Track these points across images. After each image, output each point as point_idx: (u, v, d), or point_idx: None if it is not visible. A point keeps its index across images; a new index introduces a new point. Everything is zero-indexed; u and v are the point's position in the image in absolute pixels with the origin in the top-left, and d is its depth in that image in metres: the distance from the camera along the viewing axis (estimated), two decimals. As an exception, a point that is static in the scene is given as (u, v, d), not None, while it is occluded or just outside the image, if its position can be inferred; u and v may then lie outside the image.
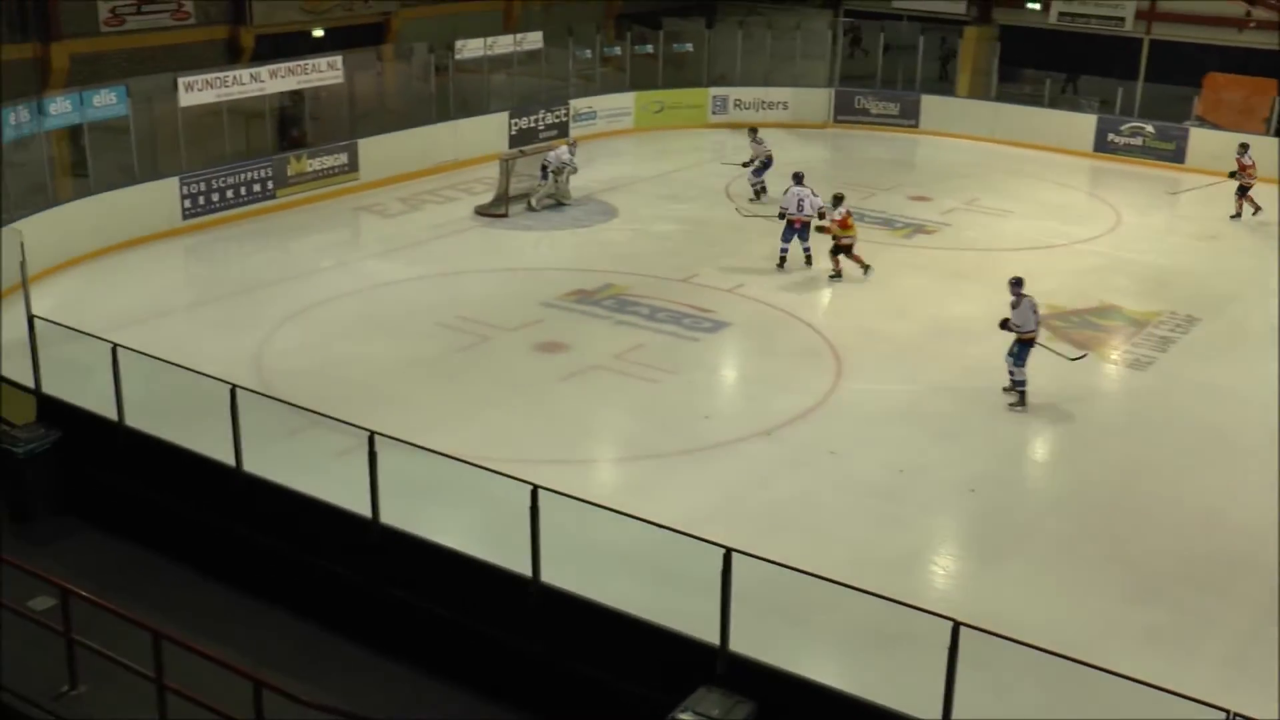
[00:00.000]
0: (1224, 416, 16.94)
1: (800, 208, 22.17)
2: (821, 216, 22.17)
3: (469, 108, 29.74)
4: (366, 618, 11.93)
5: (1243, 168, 26.83)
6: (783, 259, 22.37)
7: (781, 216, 22.36)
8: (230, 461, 12.72)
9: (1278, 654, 11.58)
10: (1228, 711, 8.12)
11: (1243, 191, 26.98)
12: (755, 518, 13.63)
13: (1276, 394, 17.47)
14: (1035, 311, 17.26)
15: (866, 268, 21.75)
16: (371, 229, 25.08)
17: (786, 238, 22.29)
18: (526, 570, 10.82)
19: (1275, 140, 31.82)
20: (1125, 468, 15.48)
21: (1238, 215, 26.88)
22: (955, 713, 9.10)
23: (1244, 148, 27.02)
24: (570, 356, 18.13)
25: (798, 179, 22.50)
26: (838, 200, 21.64)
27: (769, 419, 16.24)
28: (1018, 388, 17.11)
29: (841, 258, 21.65)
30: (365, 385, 16.85)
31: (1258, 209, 26.97)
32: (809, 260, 22.44)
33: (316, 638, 11.90)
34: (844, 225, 21.56)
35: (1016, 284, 17.24)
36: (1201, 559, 13.36)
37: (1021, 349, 17.14)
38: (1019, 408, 16.98)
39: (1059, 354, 17.90)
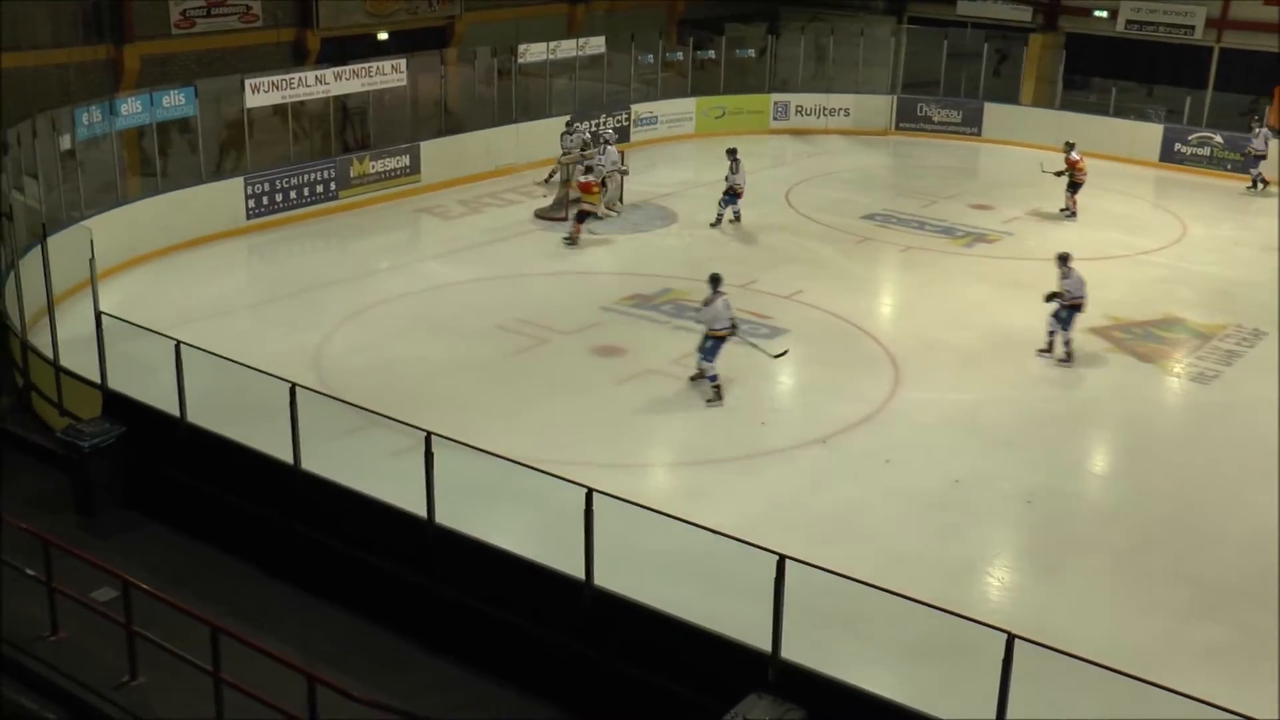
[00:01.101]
0: (1287, 432, 16.71)
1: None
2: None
3: (531, 111, 29.83)
4: (420, 616, 12.02)
5: (1071, 164, 26.89)
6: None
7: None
8: (289, 459, 12.86)
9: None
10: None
11: (1074, 189, 27.19)
12: (809, 525, 13.60)
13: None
14: (729, 308, 17.01)
15: None
16: (431, 231, 25.23)
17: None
18: (579, 573, 10.87)
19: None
20: (1186, 482, 15.30)
21: (1067, 210, 27.09)
22: (1009, 725, 9.06)
23: (1070, 146, 27.08)
24: (627, 360, 18.16)
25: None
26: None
27: (825, 426, 16.20)
28: (710, 382, 16.89)
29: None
30: (422, 386, 16.96)
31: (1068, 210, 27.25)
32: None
33: (370, 635, 12.01)
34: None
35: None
36: (1263, 576, 13.13)
37: (713, 344, 16.87)
38: (715, 402, 16.79)
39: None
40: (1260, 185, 30.17)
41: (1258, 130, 30.33)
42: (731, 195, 25.25)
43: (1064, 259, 18.76)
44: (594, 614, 10.92)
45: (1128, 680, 8.80)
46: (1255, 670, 11.51)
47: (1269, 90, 33.23)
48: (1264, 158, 30.10)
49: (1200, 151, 32.20)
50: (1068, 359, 18.62)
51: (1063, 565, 13.42)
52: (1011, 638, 8.93)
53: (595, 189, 24.04)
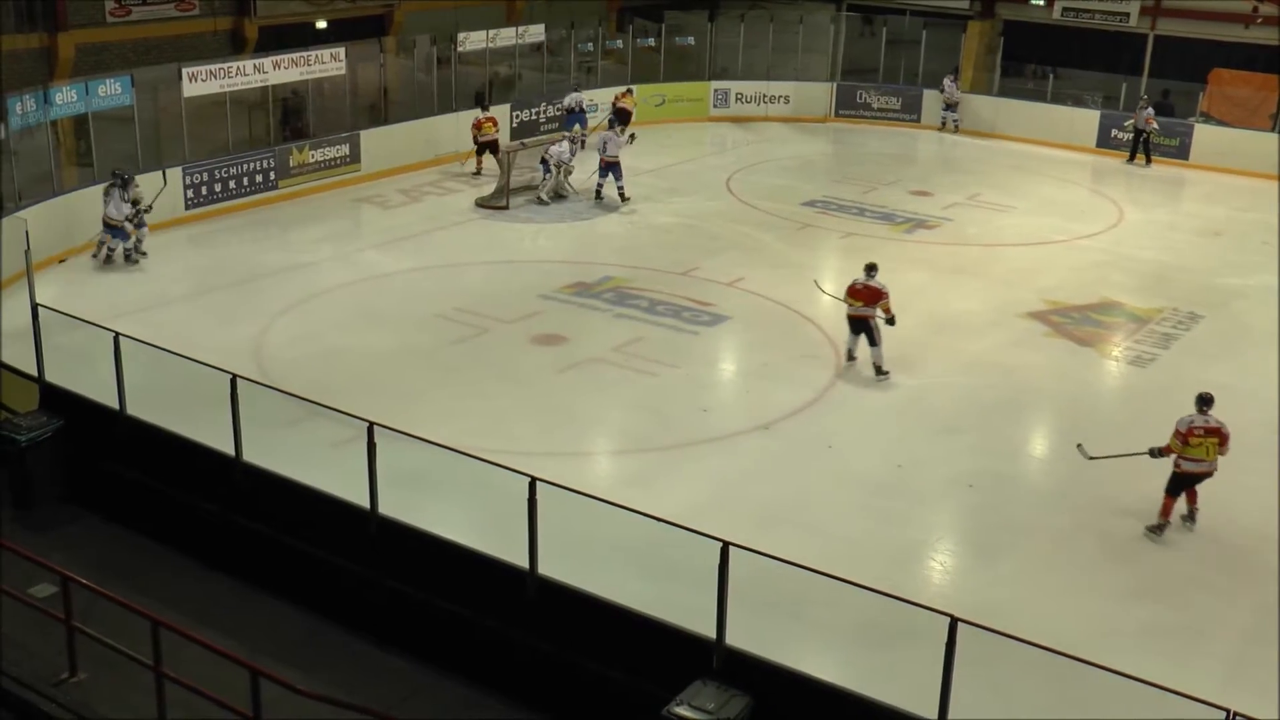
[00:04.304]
0: (1226, 414, 16.81)
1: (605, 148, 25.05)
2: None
3: (470, 101, 29.69)
4: (364, 608, 11.97)
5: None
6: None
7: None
8: (230, 451, 12.76)
9: (1278, 652, 11.63)
10: (1228, 711, 8.13)
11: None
12: (753, 511, 13.63)
13: (1278, 392, 17.51)
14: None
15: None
16: (371, 220, 25.07)
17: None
18: (524, 562, 10.85)
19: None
20: (1125, 464, 15.41)
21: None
22: (952, 709, 9.13)
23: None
24: (569, 349, 18.14)
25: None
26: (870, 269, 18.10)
27: (767, 413, 16.25)
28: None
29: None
30: (364, 376, 16.87)
31: None
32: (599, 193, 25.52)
33: (314, 628, 11.95)
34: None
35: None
36: (1202, 557, 13.35)
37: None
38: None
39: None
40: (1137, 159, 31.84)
41: (1141, 110, 31.51)
42: (607, 167, 25.71)
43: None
44: (538, 603, 10.91)
45: (1068, 660, 8.90)
46: (1193, 649, 11.69)
47: (1203, 76, 33.65)
48: (1146, 131, 31.56)
49: (1131, 136, 32.57)
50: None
51: (1004, 548, 13.54)
52: (954, 621, 9.01)
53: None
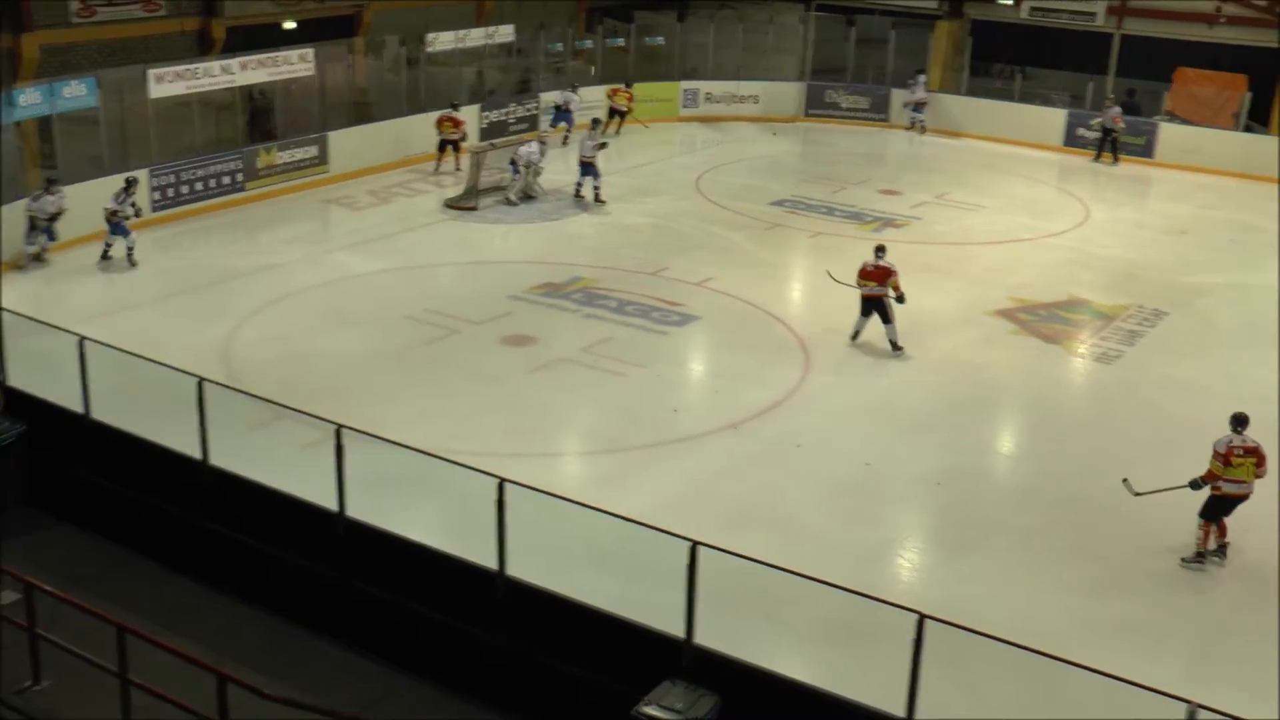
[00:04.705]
0: (1191, 410, 17.02)
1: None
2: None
3: (440, 100, 29.62)
4: (332, 611, 11.92)
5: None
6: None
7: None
8: (197, 455, 12.69)
9: (1247, 645, 11.72)
10: (1192, 704, 8.17)
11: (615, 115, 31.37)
12: (722, 511, 13.65)
13: (1242, 388, 17.62)
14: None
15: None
16: (340, 222, 24.99)
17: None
18: (493, 564, 10.83)
19: (1245, 135, 32.17)
20: (1092, 461, 15.55)
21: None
22: (920, 706, 9.15)
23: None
24: (538, 350, 18.12)
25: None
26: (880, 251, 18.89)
27: (737, 413, 16.27)
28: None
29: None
30: (333, 378, 16.82)
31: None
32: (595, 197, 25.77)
33: (282, 631, 11.89)
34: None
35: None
36: (1168, 552, 13.41)
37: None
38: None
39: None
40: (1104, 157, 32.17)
41: (1108, 109, 31.87)
42: (584, 166, 25.84)
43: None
44: (507, 604, 10.89)
45: (1038, 657, 8.95)
46: (1162, 644, 11.76)
47: (1168, 76, 33.86)
48: (1113, 130, 31.92)
49: (1099, 135, 32.75)
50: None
51: (972, 546, 13.59)
52: (922, 618, 9.04)
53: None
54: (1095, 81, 34.14)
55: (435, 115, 28.25)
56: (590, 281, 20.96)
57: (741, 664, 9.91)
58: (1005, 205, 27.50)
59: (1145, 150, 32.30)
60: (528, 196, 25.98)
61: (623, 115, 32.59)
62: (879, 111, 35.52)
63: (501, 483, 10.67)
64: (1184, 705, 8.15)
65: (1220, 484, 12.95)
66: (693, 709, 9.61)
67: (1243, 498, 13.03)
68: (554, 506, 11.02)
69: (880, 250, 18.58)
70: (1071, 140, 33.19)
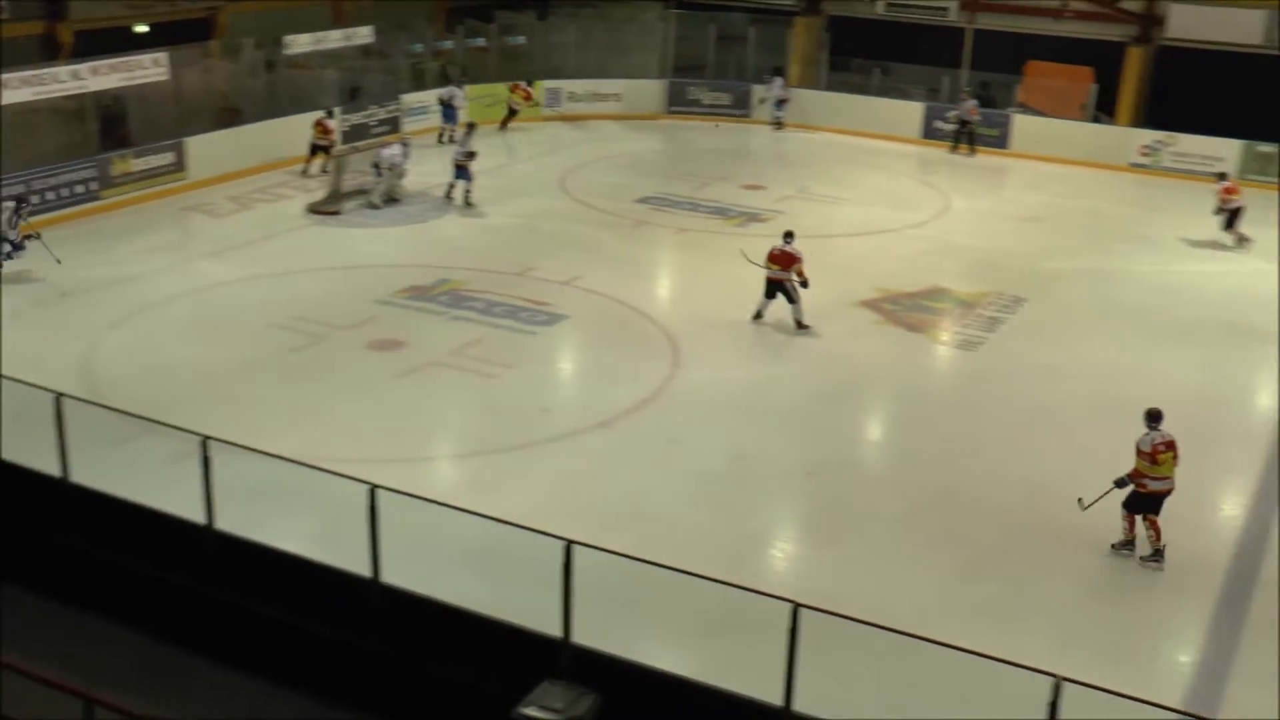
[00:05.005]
0: (1050, 394, 17.50)
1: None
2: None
3: (300, 104, 29.25)
4: (205, 627, 11.69)
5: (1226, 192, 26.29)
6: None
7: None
8: (56, 472, 12.36)
9: (1107, 620, 12.07)
10: (1056, 677, 8.38)
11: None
12: (596, 509, 13.69)
13: (1100, 370, 18.17)
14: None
15: None
16: (201, 229, 24.50)
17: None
18: (367, 571, 10.73)
19: (1093, 126, 33.10)
20: (956, 446, 15.88)
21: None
22: (797, 692, 9.27)
23: (1222, 176, 26.70)
24: (407, 354, 17.98)
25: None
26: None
27: (608, 410, 16.31)
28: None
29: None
30: (198, 389, 16.50)
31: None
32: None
33: (151, 650, 11.62)
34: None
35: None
36: (1030, 533, 13.76)
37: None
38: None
39: None
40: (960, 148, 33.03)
41: (964, 102, 32.86)
42: (458, 168, 25.79)
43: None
44: (383, 611, 10.79)
45: (907, 639, 9.12)
46: (1024, 621, 12.04)
47: (1020, 69, 34.68)
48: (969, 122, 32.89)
49: (954, 127, 33.45)
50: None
51: (844, 533, 13.79)
52: (796, 607, 9.14)
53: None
54: (950, 75, 34.91)
55: (298, 119, 27.89)
56: (457, 283, 20.86)
57: (620, 661, 9.94)
58: (867, 197, 27.95)
59: (1000, 141, 33.10)
60: (391, 199, 25.76)
61: (514, 113, 33.13)
62: (741, 107, 35.85)
63: (373, 489, 10.57)
64: (1049, 679, 8.36)
65: (1145, 481, 13.09)
66: (573, 708, 9.61)
67: (1168, 493, 13.17)
68: (428, 511, 10.95)
69: (789, 236, 19.52)
70: (929, 133, 33.87)
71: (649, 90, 35.87)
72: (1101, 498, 13.32)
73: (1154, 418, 13.27)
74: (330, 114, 28.27)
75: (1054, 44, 34.75)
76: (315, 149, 27.80)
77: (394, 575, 10.73)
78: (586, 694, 9.72)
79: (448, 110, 31.45)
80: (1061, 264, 23.64)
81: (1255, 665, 11.54)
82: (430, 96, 32.47)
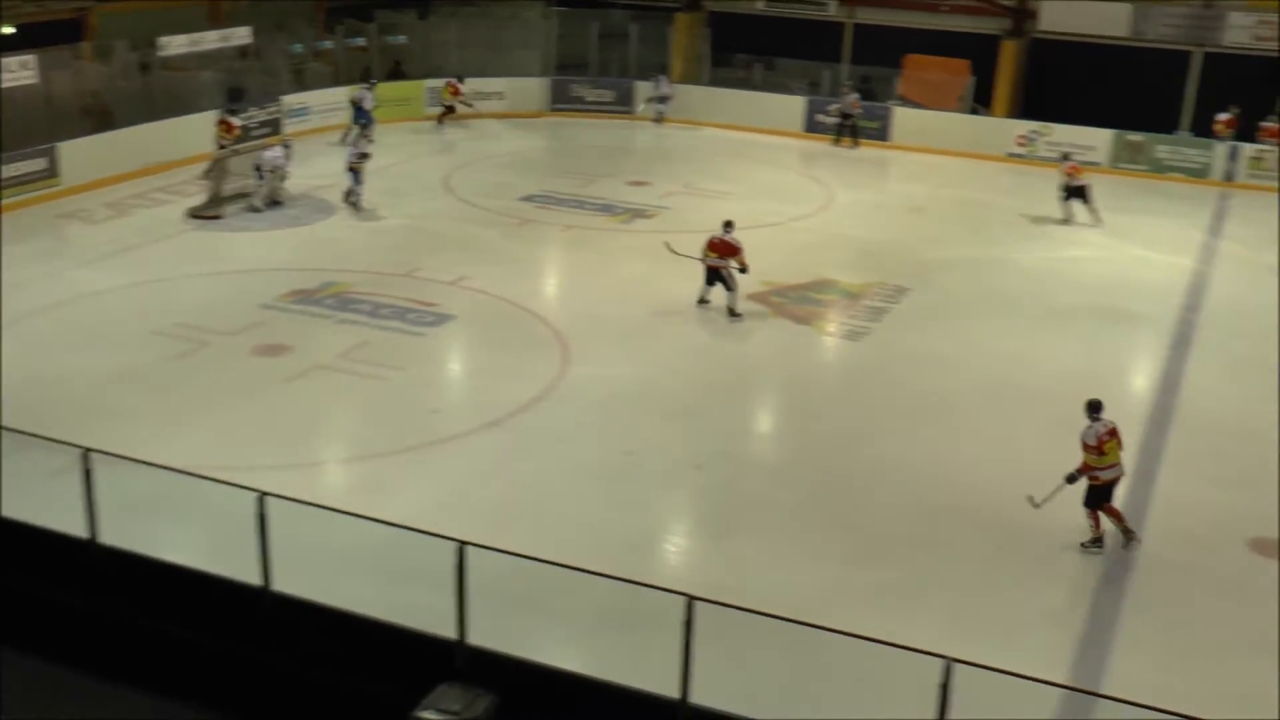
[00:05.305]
0: (937, 381, 17.78)
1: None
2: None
3: (176, 107, 28.73)
4: (92, 644, 11.46)
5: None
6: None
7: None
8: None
9: (999, 601, 12.30)
10: (947, 659, 8.52)
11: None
12: (488, 509, 13.64)
13: (983, 356, 18.51)
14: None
15: None
16: (78, 237, 23.95)
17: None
18: (257, 580, 10.59)
19: (971, 117, 33.69)
20: (847, 435, 16.06)
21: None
22: (694, 684, 9.32)
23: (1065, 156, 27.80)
24: (293, 358, 17.74)
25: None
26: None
27: (498, 409, 16.23)
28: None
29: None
30: (79, 400, 16.13)
31: None
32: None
33: (38, 670, 11.34)
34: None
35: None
36: (922, 517, 13.95)
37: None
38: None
39: None
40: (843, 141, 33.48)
41: (846, 96, 33.32)
42: (352, 171, 25.44)
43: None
44: (275, 620, 10.66)
45: (804, 627, 9.22)
46: (919, 605, 12.21)
47: (899, 62, 35.18)
48: (852, 115, 33.31)
49: (837, 120, 33.85)
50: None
51: (736, 525, 13.87)
52: (690, 600, 9.19)
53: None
54: (831, 69, 35.34)
55: (174, 122, 27.46)
56: (343, 286, 20.64)
57: (516, 660, 9.93)
58: (752, 191, 28.14)
59: (881, 134, 33.54)
60: (274, 202, 25.41)
61: (449, 110, 33.48)
62: (624, 104, 35.93)
63: (261, 496, 10.43)
64: (940, 661, 8.50)
65: (1097, 473, 13.18)
66: (469, 709, 9.58)
67: (1119, 479, 13.30)
68: (318, 517, 10.84)
69: (728, 225, 20.02)
70: (811, 126, 34.22)
71: (532, 88, 35.80)
72: (1053, 495, 13.37)
73: (1095, 409, 13.31)
74: (234, 112, 28.16)
75: (931, 38, 35.36)
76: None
77: (285, 583, 10.60)
78: (483, 695, 9.70)
79: (359, 110, 31.07)
80: (943, 253, 24.04)
81: (1136, 636, 11.88)
82: (310, 98, 32.10)
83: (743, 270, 19.79)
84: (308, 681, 10.58)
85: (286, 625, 10.66)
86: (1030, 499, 13.50)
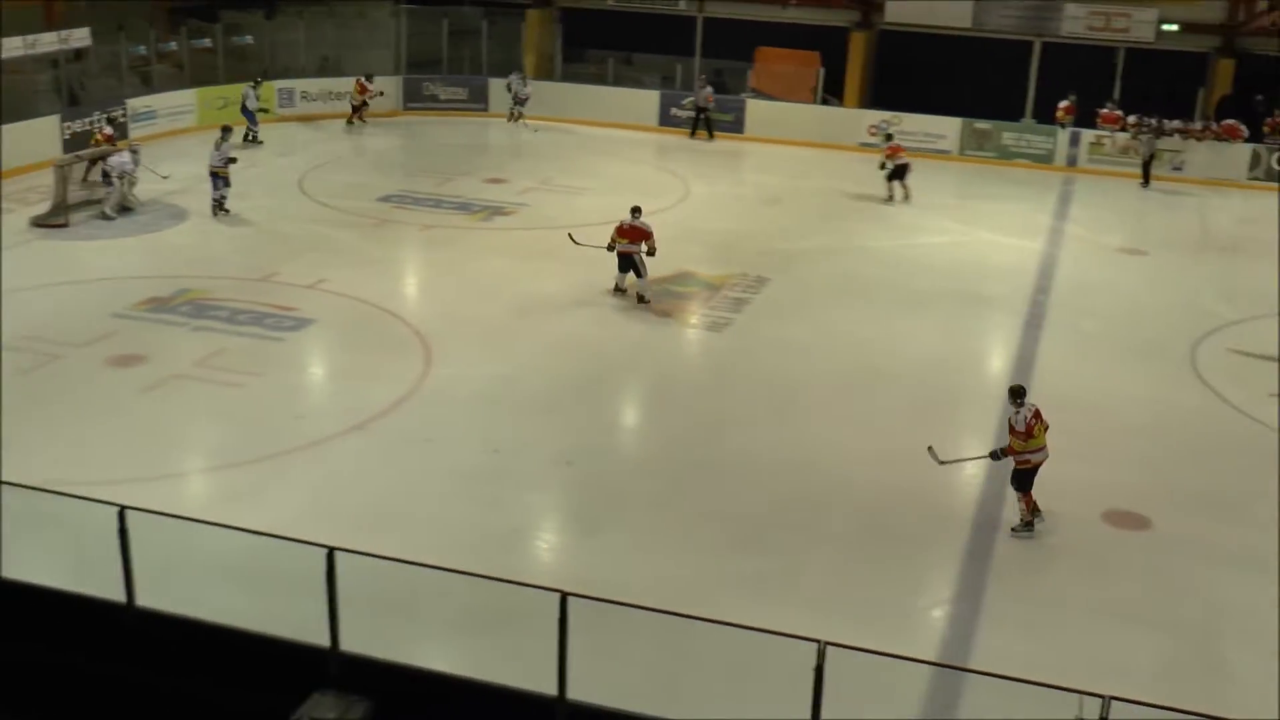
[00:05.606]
0: (799, 369, 18.02)
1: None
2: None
3: (15, 112, 27.84)
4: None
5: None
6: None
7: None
8: None
9: (868, 581, 12.51)
10: (820, 642, 8.65)
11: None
12: (357, 513, 13.47)
13: (843, 343, 18.82)
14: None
15: None
16: (-86, 249, 23.12)
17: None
18: (120, 596, 10.34)
19: (822, 108, 34.19)
20: (713, 426, 16.19)
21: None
22: (571, 680, 9.34)
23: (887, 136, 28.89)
24: (149, 368, 17.33)
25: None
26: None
27: (362, 413, 16.04)
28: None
29: None
30: (-78, 418, 15.59)
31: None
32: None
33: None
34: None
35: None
36: (790, 504, 14.10)
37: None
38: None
39: None
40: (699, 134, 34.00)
41: (701, 89, 33.83)
42: (214, 177, 24.84)
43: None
44: (140, 636, 10.42)
45: (678, 618, 9.29)
46: (790, 591, 12.35)
47: (750, 55, 35.57)
48: (706, 109, 33.86)
49: (691, 114, 34.12)
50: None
51: (608, 519, 13.89)
52: (564, 596, 9.20)
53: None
54: (684, 63, 35.57)
55: (11, 128, 26.59)
56: (199, 293, 20.21)
57: (390, 665, 9.85)
58: (609, 186, 28.20)
59: (735, 126, 33.91)
60: (124, 208, 24.77)
61: (358, 109, 33.59)
62: (478, 101, 35.76)
63: (122, 510, 10.19)
64: (813, 645, 8.62)
65: (1027, 457, 13.31)
66: (345, 717, 9.49)
67: (1043, 460, 13.43)
68: (183, 529, 10.63)
69: (636, 211, 20.44)
70: (666, 120, 34.46)
71: (384, 87, 35.40)
72: (961, 460, 13.78)
73: (1018, 394, 13.42)
74: (112, 121, 27.66)
75: (782, 30, 35.83)
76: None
77: (150, 598, 10.37)
78: (359, 701, 9.62)
79: (247, 113, 30.85)
80: (800, 243, 24.37)
81: (1002, 611, 12.16)
82: (157, 101, 31.37)
83: (651, 253, 20.13)
84: (178, 697, 10.37)
85: (153, 641, 10.43)
86: (931, 451, 13.77)
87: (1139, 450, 15.35)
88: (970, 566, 12.98)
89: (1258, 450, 15.94)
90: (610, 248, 20.42)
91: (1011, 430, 13.35)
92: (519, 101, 34.56)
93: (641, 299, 20.20)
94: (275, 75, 34.30)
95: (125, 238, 23.54)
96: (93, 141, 26.70)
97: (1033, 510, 13.55)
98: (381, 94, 34.28)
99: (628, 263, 20.26)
